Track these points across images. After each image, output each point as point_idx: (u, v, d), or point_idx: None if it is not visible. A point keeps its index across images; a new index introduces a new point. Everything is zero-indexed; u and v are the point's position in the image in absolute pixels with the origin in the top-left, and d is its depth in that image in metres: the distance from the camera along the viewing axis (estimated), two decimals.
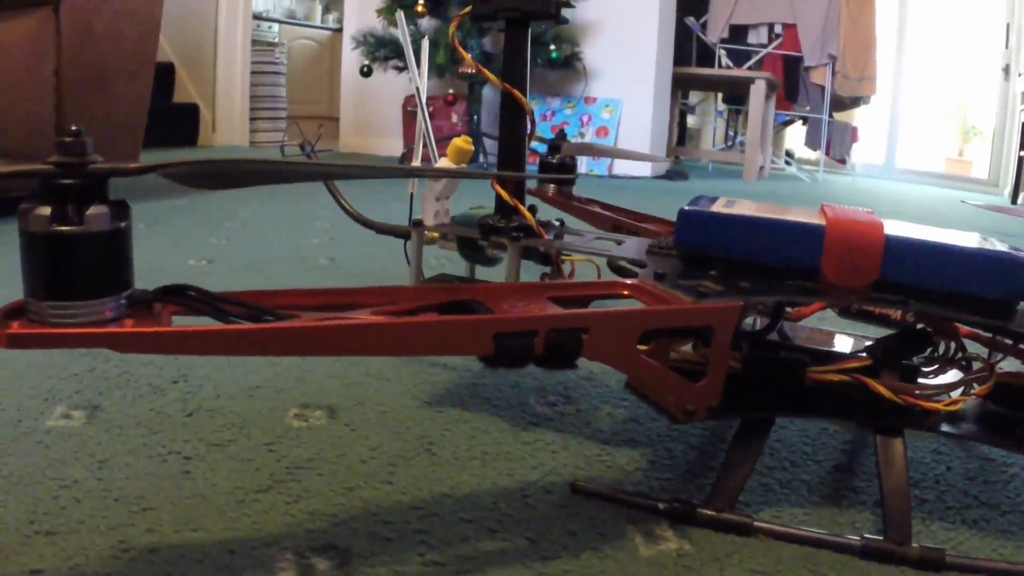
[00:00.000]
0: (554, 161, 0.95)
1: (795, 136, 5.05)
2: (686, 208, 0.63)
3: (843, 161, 5.00)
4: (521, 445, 0.68)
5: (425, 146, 0.92)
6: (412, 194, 0.90)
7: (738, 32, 4.34)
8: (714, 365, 0.58)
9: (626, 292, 0.60)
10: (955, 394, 0.66)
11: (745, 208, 0.65)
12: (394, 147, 3.95)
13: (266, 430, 0.69)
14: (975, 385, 0.68)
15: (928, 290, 0.60)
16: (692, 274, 0.62)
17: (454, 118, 3.40)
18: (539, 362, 0.51)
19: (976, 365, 0.69)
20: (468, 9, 0.77)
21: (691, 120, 4.51)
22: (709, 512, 0.57)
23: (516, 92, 0.77)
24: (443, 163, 0.80)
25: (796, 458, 0.71)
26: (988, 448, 0.81)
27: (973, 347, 0.71)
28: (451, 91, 3.36)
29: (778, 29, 4.31)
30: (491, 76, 0.81)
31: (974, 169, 7.08)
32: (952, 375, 0.70)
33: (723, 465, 0.60)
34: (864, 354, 0.66)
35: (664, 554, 0.53)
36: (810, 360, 0.65)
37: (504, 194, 0.76)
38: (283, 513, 0.56)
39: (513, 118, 0.78)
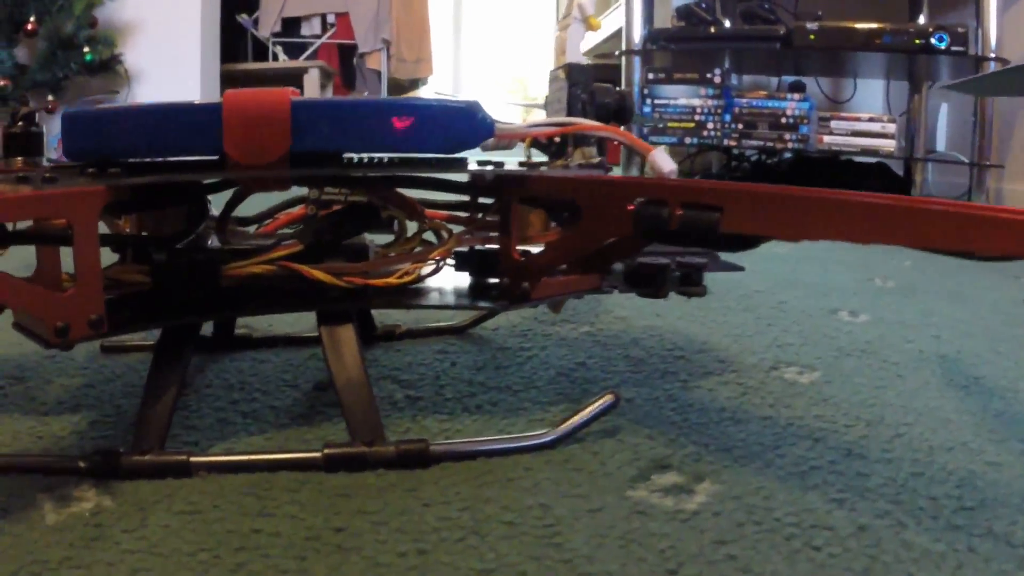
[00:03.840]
0: None
1: None
2: (67, 110, 0.53)
3: None
4: None
5: None
6: None
7: (291, 25, 4.31)
8: (81, 266, 0.48)
9: None
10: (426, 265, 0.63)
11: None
12: None
13: None
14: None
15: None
16: None
17: None
18: None
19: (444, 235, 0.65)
20: None
21: None
22: (135, 458, 0.50)
23: None
24: None
25: (270, 388, 0.67)
26: (504, 339, 0.82)
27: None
28: None
29: (331, 19, 4.36)
30: None
31: None
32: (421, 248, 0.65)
33: (142, 403, 0.52)
34: (294, 240, 0.59)
35: (75, 516, 0.46)
36: (231, 258, 0.57)
37: None
38: None
39: None
